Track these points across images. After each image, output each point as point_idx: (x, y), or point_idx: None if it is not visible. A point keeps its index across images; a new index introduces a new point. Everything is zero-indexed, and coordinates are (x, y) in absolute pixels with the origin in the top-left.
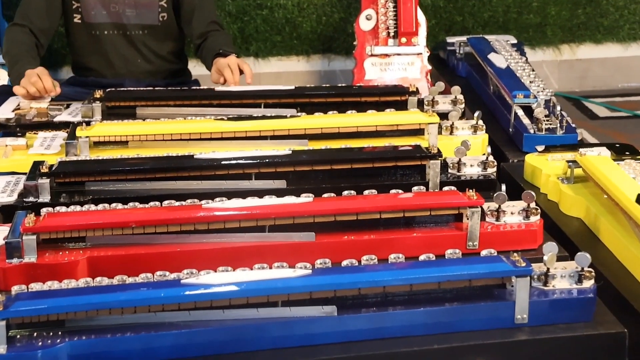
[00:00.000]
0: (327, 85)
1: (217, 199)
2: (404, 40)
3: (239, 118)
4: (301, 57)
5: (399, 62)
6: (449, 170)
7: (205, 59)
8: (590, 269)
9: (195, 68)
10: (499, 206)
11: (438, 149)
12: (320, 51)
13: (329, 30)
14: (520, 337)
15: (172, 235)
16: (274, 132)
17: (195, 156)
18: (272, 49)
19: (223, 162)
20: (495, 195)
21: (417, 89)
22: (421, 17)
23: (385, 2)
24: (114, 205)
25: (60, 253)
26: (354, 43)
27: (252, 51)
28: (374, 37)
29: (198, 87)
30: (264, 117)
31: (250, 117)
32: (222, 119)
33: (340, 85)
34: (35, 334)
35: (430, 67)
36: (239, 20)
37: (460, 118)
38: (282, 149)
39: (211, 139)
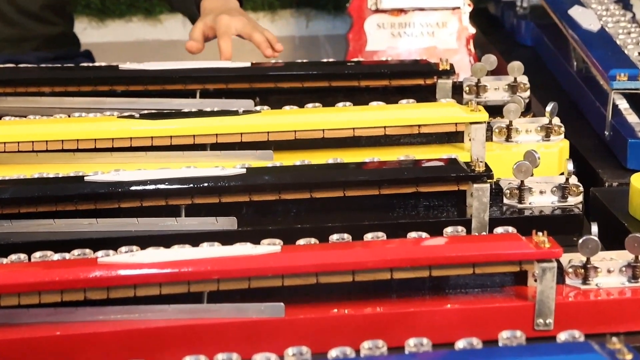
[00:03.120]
0: (304, 61)
1: (124, 249)
2: None
3: (160, 115)
4: (263, 14)
5: (422, 22)
6: (505, 200)
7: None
8: None
9: (86, 32)
10: (588, 259)
11: (486, 165)
12: (293, 3)
13: None
14: None
15: (48, 309)
16: (217, 138)
17: (86, 178)
18: None
19: (133, 188)
20: (581, 241)
21: (451, 66)
22: None
23: None
24: None
25: None
26: None
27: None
28: None
29: (92, 64)
30: (200, 114)
31: (178, 114)
32: (131, 117)
33: (325, 60)
34: None
35: (473, 31)
36: None
37: (523, 114)
38: (231, 165)
39: (113, 149)
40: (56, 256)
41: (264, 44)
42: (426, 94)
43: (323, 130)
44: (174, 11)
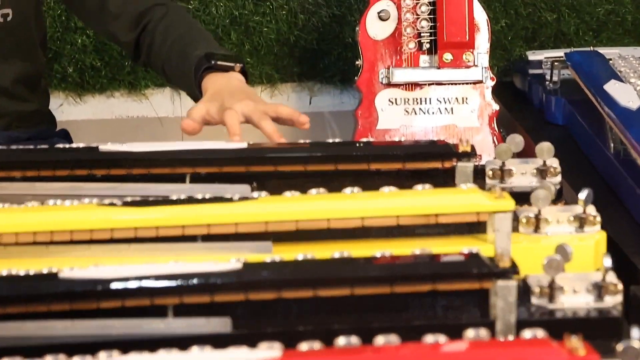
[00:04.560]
0: (307, 141)
1: (103, 355)
2: (448, 57)
3: (145, 202)
4: (261, 88)
5: (439, 97)
6: (534, 300)
7: (172, 71)
8: None
9: (63, 108)
10: None
11: (512, 261)
12: (295, 76)
13: (310, 39)
14: None
15: None
16: (210, 229)
17: (61, 274)
18: None
19: (114, 286)
20: (621, 348)
21: (472, 147)
22: (480, 16)
23: None
24: None
25: None
26: (357, 63)
27: None
28: (393, 51)
29: (68, 145)
30: (190, 201)
31: (165, 201)
32: (112, 205)
33: (331, 140)
34: None
35: (497, 107)
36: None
37: (554, 202)
38: (225, 259)
39: (92, 241)
40: None
41: (275, 134)
42: (444, 179)
43: (328, 219)
44: (173, 86)
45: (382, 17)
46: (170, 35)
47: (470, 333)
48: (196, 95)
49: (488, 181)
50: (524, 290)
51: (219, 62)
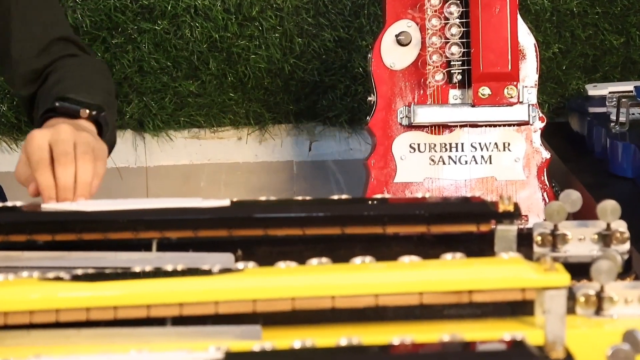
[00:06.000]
0: (306, 197)
1: None
2: (485, 92)
3: (99, 276)
4: (247, 130)
5: (474, 142)
6: None
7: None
8: None
9: None
10: None
11: (567, 351)
12: (291, 116)
13: (310, 69)
14: None
15: None
16: (182, 309)
17: None
18: (180, 113)
19: None
20: None
21: (516, 206)
22: (527, 39)
23: (442, 5)
24: None
25: None
26: (370, 99)
27: (132, 117)
28: (415, 84)
29: (2, 204)
30: (158, 274)
31: (126, 275)
32: (58, 279)
33: (336, 197)
34: None
35: (548, 156)
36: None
37: (621, 276)
38: (202, 347)
39: (32, 326)
40: None
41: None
42: (480, 246)
43: (333, 297)
44: None
45: (402, 41)
46: (60, 88)
47: None
48: None
49: (536, 249)
50: None
51: (57, 104)
